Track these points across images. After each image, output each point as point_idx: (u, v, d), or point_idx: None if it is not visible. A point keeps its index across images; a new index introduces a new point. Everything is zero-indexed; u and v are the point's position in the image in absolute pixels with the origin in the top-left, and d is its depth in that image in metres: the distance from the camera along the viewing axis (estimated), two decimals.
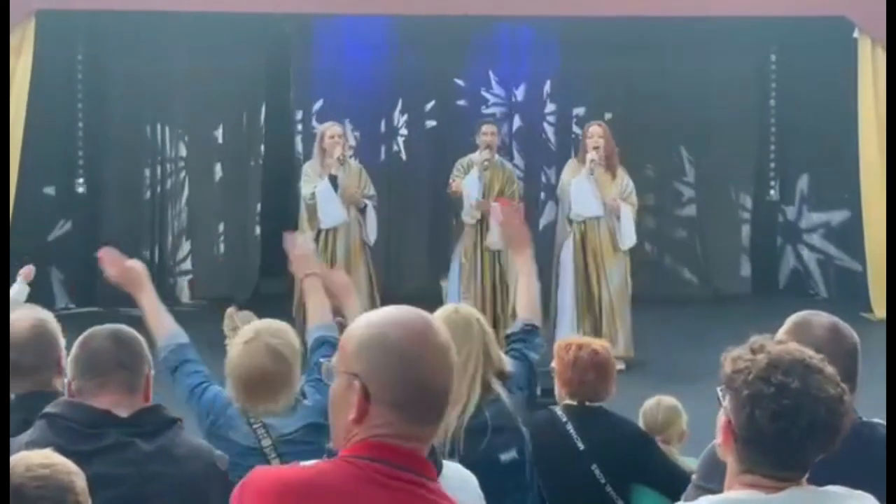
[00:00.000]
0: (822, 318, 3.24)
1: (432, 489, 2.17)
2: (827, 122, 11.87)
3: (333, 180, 9.78)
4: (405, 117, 12.58)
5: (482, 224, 9.94)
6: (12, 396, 3.59)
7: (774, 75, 12.54)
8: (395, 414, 2.14)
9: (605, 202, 9.65)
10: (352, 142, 11.26)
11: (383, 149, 12.56)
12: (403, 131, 12.60)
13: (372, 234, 10.04)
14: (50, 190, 12.08)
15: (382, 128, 12.57)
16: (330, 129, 10.00)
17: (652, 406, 5.13)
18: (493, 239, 9.73)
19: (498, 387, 3.92)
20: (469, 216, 9.98)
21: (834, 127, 11.72)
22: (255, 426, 3.87)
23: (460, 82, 12.51)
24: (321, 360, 3.75)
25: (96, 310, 10.97)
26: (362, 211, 10.00)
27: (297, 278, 4.54)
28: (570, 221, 9.79)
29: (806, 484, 2.37)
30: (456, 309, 3.96)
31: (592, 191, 9.63)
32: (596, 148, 9.59)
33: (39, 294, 8.97)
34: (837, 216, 12.30)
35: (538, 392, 4.38)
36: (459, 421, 3.78)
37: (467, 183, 9.89)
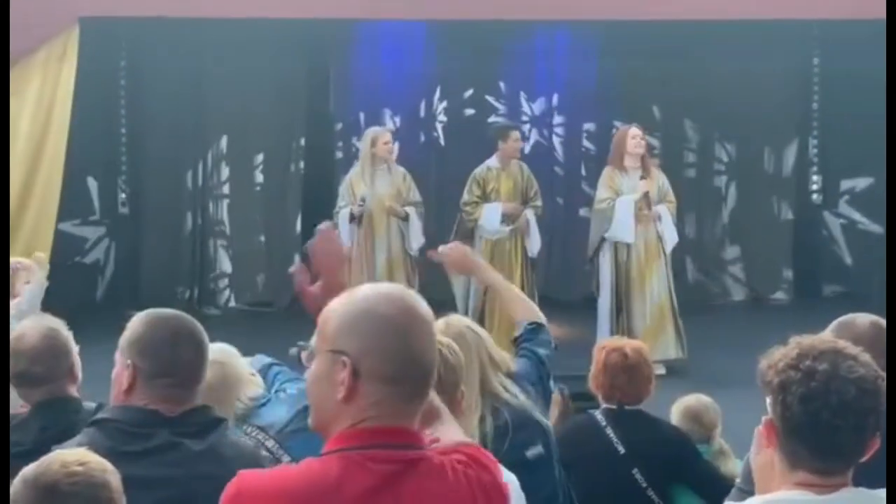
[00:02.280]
0: (864, 318, 3.27)
1: (432, 457, 2.13)
2: (870, 125, 11.77)
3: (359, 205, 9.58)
4: (444, 121, 12.56)
5: (509, 235, 9.66)
6: (28, 407, 3.60)
7: (817, 78, 12.47)
8: (387, 389, 2.09)
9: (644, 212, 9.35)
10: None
11: (420, 149, 12.54)
12: (440, 133, 12.59)
13: (416, 242, 9.74)
14: (93, 194, 12.17)
15: (421, 137, 12.57)
16: (381, 134, 9.86)
17: (692, 403, 5.08)
18: (533, 246, 9.66)
19: (510, 386, 3.92)
20: (491, 233, 9.63)
21: (878, 130, 11.61)
22: (251, 433, 3.81)
23: (501, 85, 12.49)
24: (296, 346, 3.73)
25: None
26: (405, 220, 9.78)
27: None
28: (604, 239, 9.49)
29: (852, 486, 2.33)
30: (446, 322, 3.92)
31: (632, 214, 9.31)
32: (640, 149, 9.34)
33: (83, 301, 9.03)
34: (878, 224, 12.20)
35: (552, 386, 4.35)
36: (481, 428, 3.78)
37: (487, 214, 9.58)
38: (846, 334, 3.14)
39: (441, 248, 4.76)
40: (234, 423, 3.64)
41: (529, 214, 9.70)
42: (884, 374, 2.31)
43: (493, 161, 9.76)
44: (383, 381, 2.08)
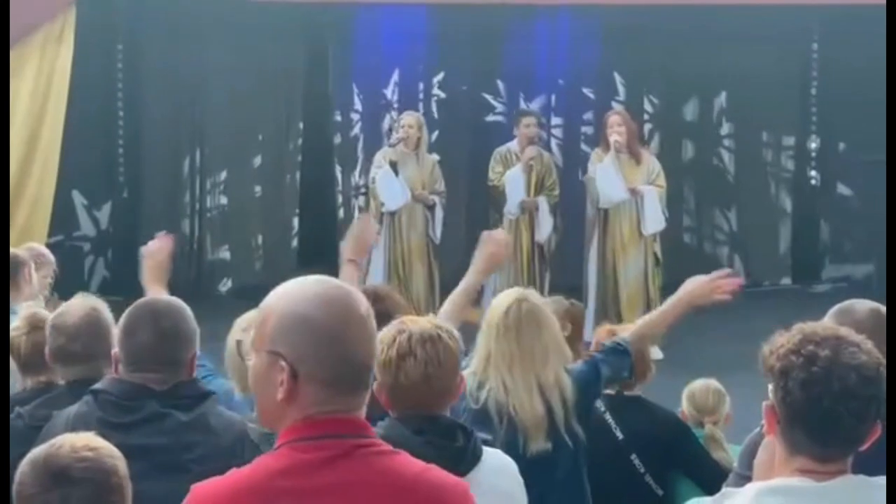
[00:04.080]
0: (863, 304, 3.26)
1: (381, 448, 2.16)
2: (869, 111, 11.74)
3: (394, 166, 9.64)
4: (443, 105, 12.54)
5: (529, 218, 9.81)
6: (61, 383, 3.63)
7: (816, 64, 12.45)
8: (327, 390, 2.12)
9: (630, 188, 9.46)
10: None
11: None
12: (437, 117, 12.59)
13: (438, 232, 9.86)
14: (90, 179, 12.14)
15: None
16: (404, 117, 9.95)
17: (702, 388, 5.10)
18: (543, 233, 9.70)
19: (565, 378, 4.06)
20: (512, 213, 9.82)
21: (876, 116, 11.59)
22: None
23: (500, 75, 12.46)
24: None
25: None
26: (431, 208, 9.82)
27: (343, 259, 4.50)
28: (599, 211, 9.61)
29: (850, 474, 2.32)
30: (525, 297, 4.06)
31: (616, 176, 9.44)
32: (618, 136, 9.44)
33: (76, 284, 9.02)
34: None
35: (596, 405, 4.48)
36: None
37: (510, 179, 9.74)
38: (846, 321, 3.12)
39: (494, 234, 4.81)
40: None
41: (542, 201, 9.76)
42: (884, 362, 2.29)
43: (513, 144, 9.92)
44: (322, 384, 2.12)
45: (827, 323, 2.84)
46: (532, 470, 3.52)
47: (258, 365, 2.16)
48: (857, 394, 2.24)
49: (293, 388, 2.10)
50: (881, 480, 2.32)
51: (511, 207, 9.81)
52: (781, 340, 2.31)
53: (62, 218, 11.26)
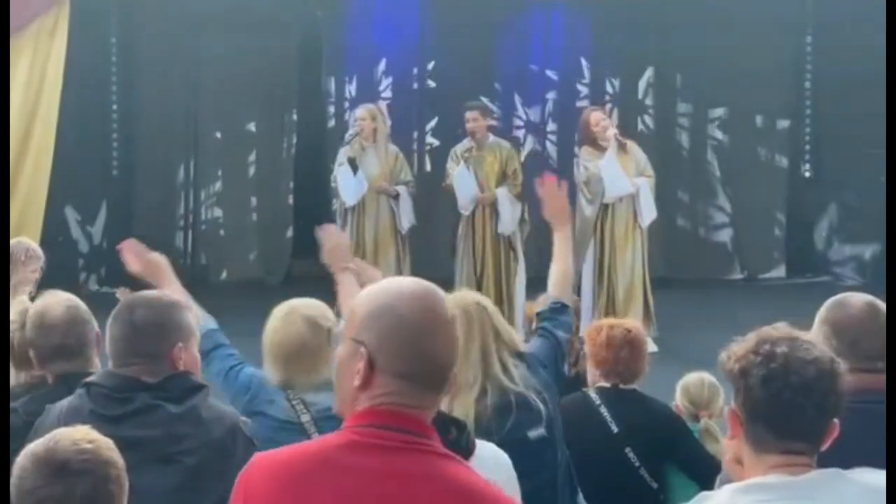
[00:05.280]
0: (858, 297, 3.26)
1: (437, 450, 2.20)
2: (864, 103, 11.74)
3: (353, 162, 9.60)
4: (435, 94, 12.53)
5: (481, 212, 9.60)
6: (50, 377, 3.62)
7: (810, 56, 12.45)
8: (399, 383, 2.18)
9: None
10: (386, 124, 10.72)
11: (416, 134, 12.52)
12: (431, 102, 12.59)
13: (406, 221, 9.76)
14: (85, 171, 12.13)
15: (413, 110, 12.54)
16: (357, 110, 9.91)
17: (696, 382, 5.10)
18: (504, 225, 9.55)
19: (513, 367, 3.90)
20: (463, 209, 9.63)
21: (870, 108, 11.60)
22: (293, 402, 3.87)
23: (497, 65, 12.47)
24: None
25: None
26: (395, 198, 9.75)
27: (333, 271, 4.47)
28: (601, 207, 9.43)
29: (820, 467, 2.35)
30: (454, 296, 3.91)
31: (621, 170, 9.32)
32: (607, 130, 9.31)
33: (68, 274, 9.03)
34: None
35: (567, 369, 4.34)
36: (480, 405, 3.75)
37: (456, 177, 9.56)
38: (840, 313, 3.13)
39: (546, 184, 4.71)
40: None
41: (501, 193, 9.60)
42: (837, 359, 2.36)
43: (467, 140, 9.73)
44: (396, 376, 2.18)
45: (824, 320, 2.97)
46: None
47: (342, 352, 2.25)
48: (816, 386, 2.31)
49: (369, 376, 2.17)
50: (856, 474, 2.35)
51: (463, 203, 9.61)
52: (738, 345, 2.39)
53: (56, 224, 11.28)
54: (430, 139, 12.55)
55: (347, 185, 9.67)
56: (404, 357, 2.17)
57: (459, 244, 9.75)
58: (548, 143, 12.63)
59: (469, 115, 9.67)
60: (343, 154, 9.83)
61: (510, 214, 9.61)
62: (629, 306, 9.34)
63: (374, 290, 2.26)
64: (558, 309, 4.27)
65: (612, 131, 9.38)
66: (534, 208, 10.31)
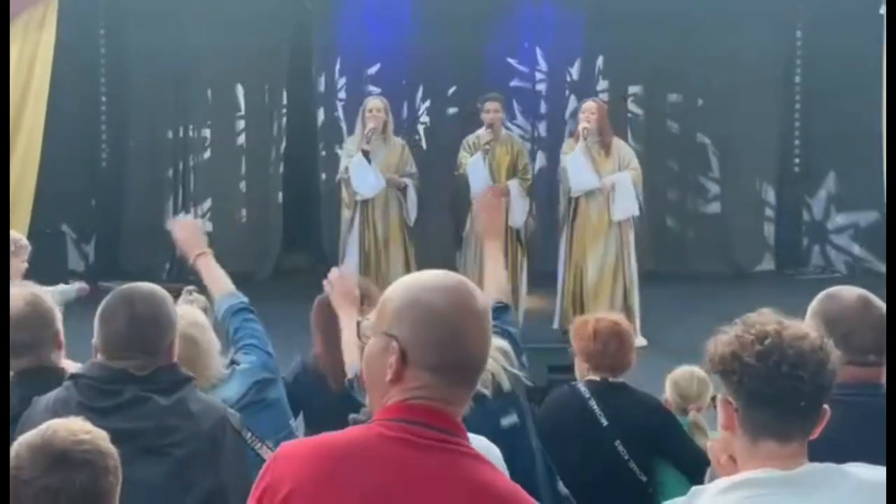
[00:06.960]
0: (850, 290, 3.23)
1: (466, 449, 2.18)
2: (853, 100, 11.76)
3: (367, 154, 9.52)
4: (427, 100, 12.52)
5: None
6: (12, 374, 3.57)
7: (800, 52, 12.46)
8: (432, 377, 2.16)
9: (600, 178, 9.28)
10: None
11: (406, 124, 12.50)
12: (426, 109, 12.56)
13: (412, 214, 9.77)
14: (73, 164, 12.09)
15: (404, 106, 12.53)
16: (370, 102, 9.76)
17: (685, 376, 5.11)
18: (515, 218, 9.58)
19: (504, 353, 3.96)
20: (475, 199, 9.54)
21: (860, 105, 11.62)
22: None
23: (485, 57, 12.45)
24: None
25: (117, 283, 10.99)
26: (403, 191, 9.73)
27: (191, 261, 4.31)
28: (570, 200, 9.43)
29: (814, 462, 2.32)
30: None
31: (587, 164, 9.27)
32: (588, 122, 9.26)
33: (58, 263, 8.98)
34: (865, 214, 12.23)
35: (581, 391, 4.48)
36: None
37: (470, 166, 9.59)
38: (833, 306, 3.12)
39: (482, 195, 4.76)
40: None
41: (513, 185, 9.63)
42: (827, 339, 2.33)
43: (482, 131, 9.73)
44: (429, 370, 2.16)
45: (816, 312, 2.99)
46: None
47: (372, 346, 2.22)
48: (812, 359, 2.27)
49: (401, 370, 2.15)
50: (851, 468, 2.32)
51: (473, 193, 9.60)
52: (722, 334, 2.35)
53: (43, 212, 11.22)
54: (420, 133, 12.55)
55: (365, 179, 9.55)
56: (438, 350, 2.15)
57: (470, 236, 9.69)
58: (537, 138, 12.63)
59: (490, 105, 9.68)
60: (353, 145, 9.70)
61: (521, 208, 9.65)
62: (598, 301, 9.26)
63: (405, 283, 2.23)
64: (502, 309, 4.27)
65: (584, 125, 9.30)
66: (541, 204, 10.40)
